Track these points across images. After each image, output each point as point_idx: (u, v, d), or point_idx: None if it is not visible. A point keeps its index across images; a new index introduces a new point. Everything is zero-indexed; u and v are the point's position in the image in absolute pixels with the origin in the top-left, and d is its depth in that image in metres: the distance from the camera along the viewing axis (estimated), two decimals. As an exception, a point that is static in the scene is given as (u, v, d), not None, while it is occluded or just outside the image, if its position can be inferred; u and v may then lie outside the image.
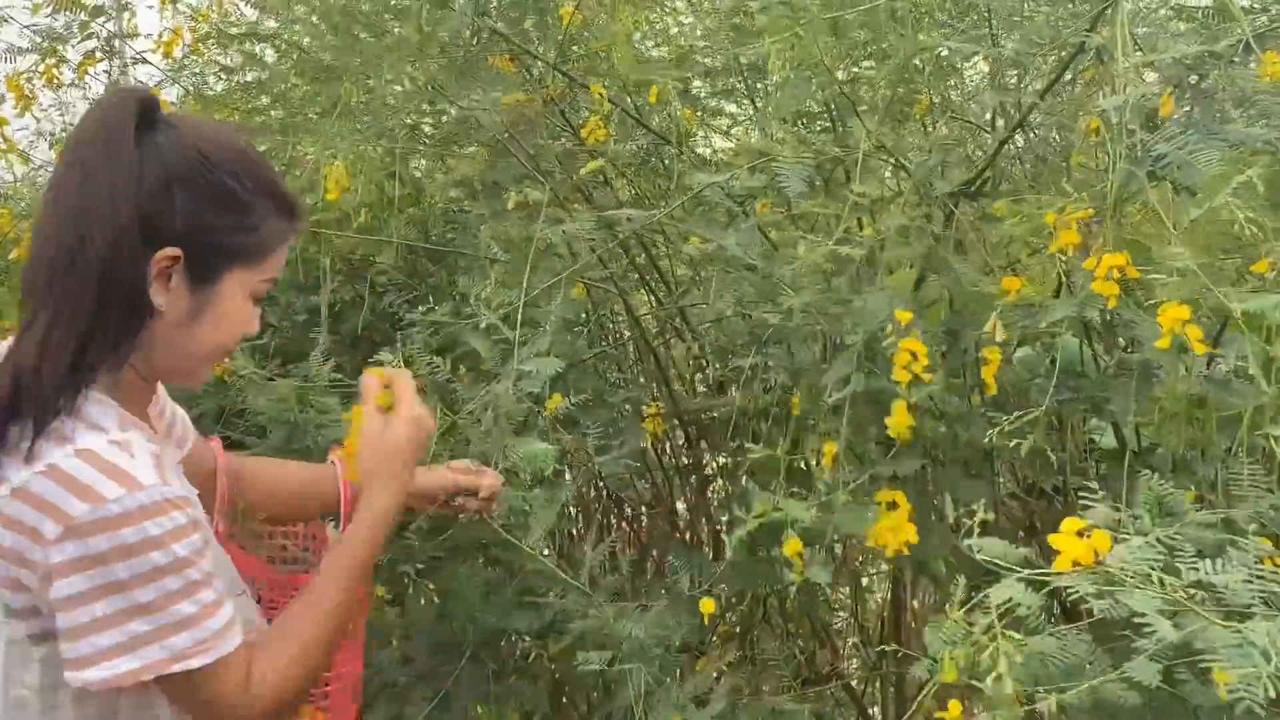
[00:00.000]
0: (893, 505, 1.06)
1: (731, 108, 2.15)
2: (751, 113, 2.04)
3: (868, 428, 1.18)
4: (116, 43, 1.94)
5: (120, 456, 0.88)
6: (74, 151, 0.92)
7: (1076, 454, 1.56)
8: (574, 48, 1.73)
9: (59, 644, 0.88)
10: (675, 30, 1.99)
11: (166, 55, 1.89)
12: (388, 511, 1.08)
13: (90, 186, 0.90)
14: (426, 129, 2.01)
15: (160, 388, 1.10)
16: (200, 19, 1.93)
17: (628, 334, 2.08)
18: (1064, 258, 0.98)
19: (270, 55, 1.95)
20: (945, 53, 1.30)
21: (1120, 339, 1.28)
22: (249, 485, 1.22)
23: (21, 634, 0.92)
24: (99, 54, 1.94)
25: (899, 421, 1.04)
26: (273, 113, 1.87)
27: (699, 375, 2.03)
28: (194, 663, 0.90)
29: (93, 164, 0.90)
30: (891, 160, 1.24)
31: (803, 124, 1.73)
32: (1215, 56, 0.97)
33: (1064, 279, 1.05)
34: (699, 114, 2.02)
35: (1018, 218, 1.03)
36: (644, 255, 1.85)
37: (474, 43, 1.55)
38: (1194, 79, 1.01)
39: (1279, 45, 1.01)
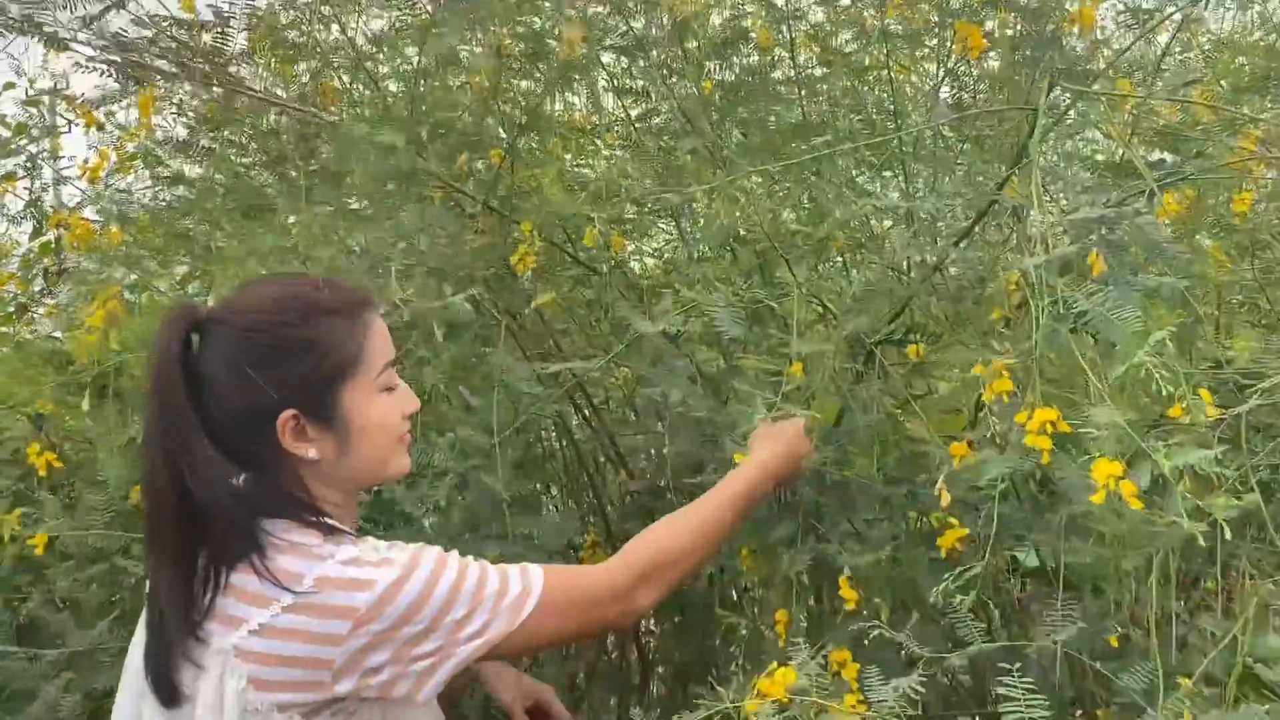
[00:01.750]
0: (843, 664, 1.09)
1: (662, 228, 2.22)
2: (679, 234, 2.11)
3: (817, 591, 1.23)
4: (39, 161, 1.92)
5: (373, 553, 0.99)
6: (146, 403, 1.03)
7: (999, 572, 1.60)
8: (505, 182, 1.76)
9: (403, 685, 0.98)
10: (604, 163, 2.05)
11: (91, 181, 1.87)
12: (765, 464, 1.21)
13: (159, 433, 1.01)
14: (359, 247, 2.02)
15: None
16: (129, 137, 1.92)
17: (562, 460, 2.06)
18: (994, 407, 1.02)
19: (197, 172, 1.95)
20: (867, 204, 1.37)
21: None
22: None
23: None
24: (20, 173, 1.91)
25: (847, 594, 1.09)
26: (198, 233, 1.86)
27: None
28: (534, 597, 1.01)
29: (149, 417, 1.02)
30: (816, 302, 1.29)
31: (731, 252, 1.80)
32: (1122, 210, 1.03)
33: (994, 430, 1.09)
34: (628, 237, 2.08)
35: (948, 380, 1.08)
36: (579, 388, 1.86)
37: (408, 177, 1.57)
38: (1104, 232, 1.07)
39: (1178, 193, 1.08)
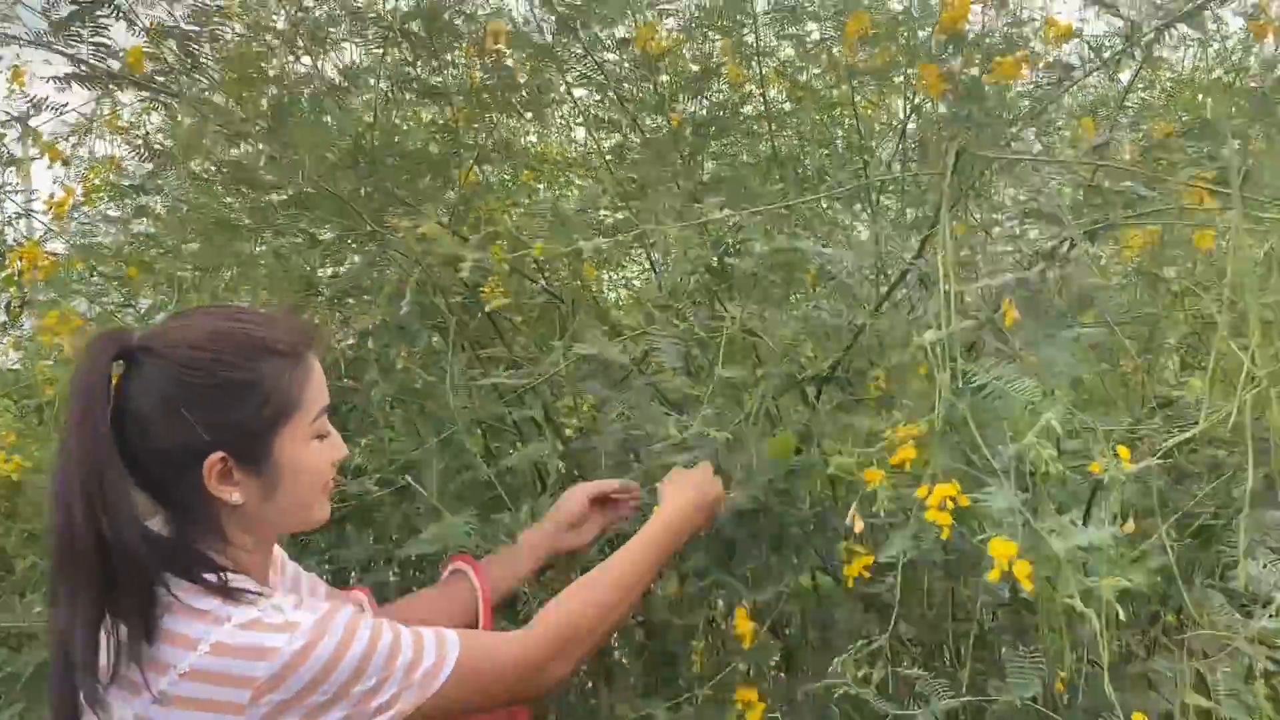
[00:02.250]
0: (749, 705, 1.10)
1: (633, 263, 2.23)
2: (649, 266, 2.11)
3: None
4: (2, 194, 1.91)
5: (275, 615, 0.94)
6: (63, 431, 0.95)
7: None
8: (472, 205, 1.76)
9: None
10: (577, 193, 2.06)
11: (58, 217, 1.86)
12: (673, 516, 1.20)
13: (78, 467, 0.92)
14: (324, 278, 2.01)
15: (279, 557, 1.16)
16: (93, 172, 1.91)
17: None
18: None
19: (161, 208, 1.93)
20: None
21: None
22: None
23: None
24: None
25: (742, 628, 1.14)
26: (160, 266, 1.84)
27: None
28: (446, 669, 0.98)
29: (68, 448, 0.93)
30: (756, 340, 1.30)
31: (694, 287, 1.80)
32: (1048, 258, 1.04)
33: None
34: (599, 268, 2.08)
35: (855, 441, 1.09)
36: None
37: (370, 201, 1.56)
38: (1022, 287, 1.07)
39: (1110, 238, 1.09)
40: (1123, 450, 0.99)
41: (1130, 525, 1.35)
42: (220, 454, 0.96)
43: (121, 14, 1.42)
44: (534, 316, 1.91)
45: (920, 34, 1.53)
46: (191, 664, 0.91)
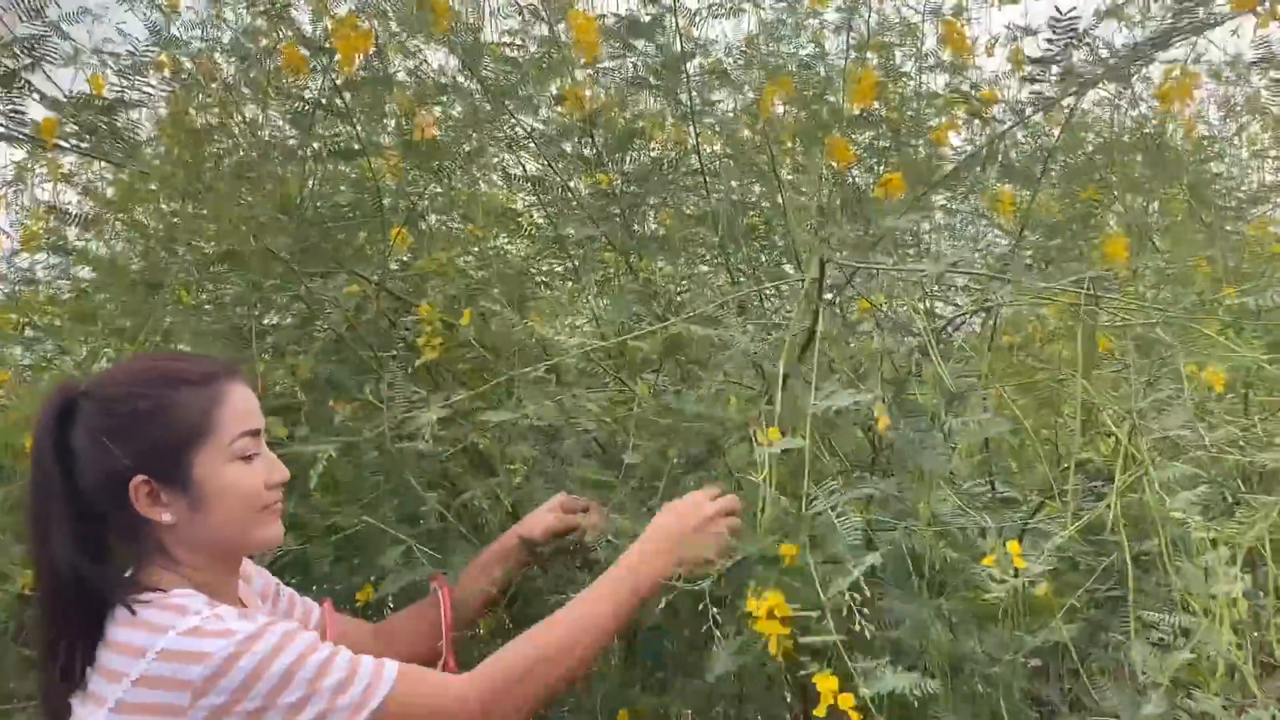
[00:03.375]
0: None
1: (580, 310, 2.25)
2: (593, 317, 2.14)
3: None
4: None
5: (215, 622, 0.99)
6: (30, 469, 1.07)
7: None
8: (404, 260, 1.78)
9: None
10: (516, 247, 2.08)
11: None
12: (638, 558, 1.16)
13: (39, 501, 1.06)
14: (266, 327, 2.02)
15: (253, 572, 1.24)
16: (32, 218, 1.91)
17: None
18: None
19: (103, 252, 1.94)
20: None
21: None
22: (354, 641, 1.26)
23: None
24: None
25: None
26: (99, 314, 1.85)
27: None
28: (374, 701, 1.00)
29: (31, 488, 1.07)
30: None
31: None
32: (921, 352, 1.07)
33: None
34: (542, 318, 2.10)
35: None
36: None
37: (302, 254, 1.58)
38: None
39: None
40: (1013, 546, 1.01)
41: (1043, 588, 1.39)
42: (143, 477, 1.05)
43: (34, 88, 1.43)
44: (472, 368, 1.92)
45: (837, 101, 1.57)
46: (142, 671, 0.97)
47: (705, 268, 2.06)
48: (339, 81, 1.50)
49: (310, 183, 1.57)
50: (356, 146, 1.57)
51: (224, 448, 1.07)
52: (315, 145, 1.58)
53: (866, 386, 1.04)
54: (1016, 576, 1.00)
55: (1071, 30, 1.47)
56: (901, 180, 1.34)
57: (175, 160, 1.58)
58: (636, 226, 1.98)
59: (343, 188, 1.67)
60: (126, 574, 1.07)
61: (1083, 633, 1.24)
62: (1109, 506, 1.03)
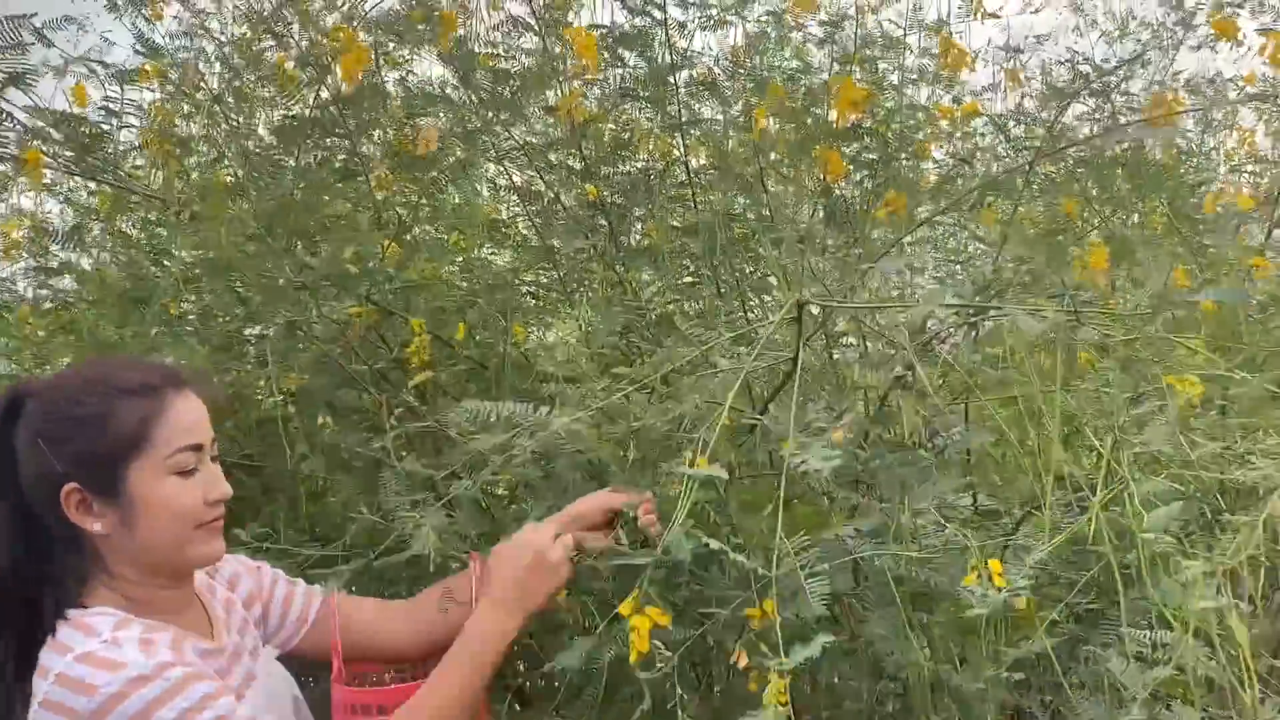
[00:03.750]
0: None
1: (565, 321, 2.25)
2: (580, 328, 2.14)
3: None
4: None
5: (111, 650, 0.98)
6: None
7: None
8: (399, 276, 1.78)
9: None
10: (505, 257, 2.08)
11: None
12: (487, 622, 1.12)
13: None
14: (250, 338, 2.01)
15: (235, 571, 1.22)
16: (10, 227, 1.90)
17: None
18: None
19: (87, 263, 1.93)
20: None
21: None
22: (371, 620, 1.27)
23: None
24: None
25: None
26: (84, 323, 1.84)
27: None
28: None
29: None
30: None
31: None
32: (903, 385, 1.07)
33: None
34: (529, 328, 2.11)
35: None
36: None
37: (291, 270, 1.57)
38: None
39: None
40: (994, 564, 1.02)
41: (1022, 602, 1.40)
42: (74, 484, 1.03)
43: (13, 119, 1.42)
44: (462, 380, 1.93)
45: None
46: (44, 694, 0.97)
47: (692, 279, 2.08)
48: (331, 95, 1.50)
49: (298, 195, 1.57)
50: (345, 160, 1.56)
51: (160, 462, 1.04)
52: (307, 160, 1.57)
53: (847, 414, 1.06)
54: (997, 593, 1.01)
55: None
56: (903, 199, 1.35)
57: (162, 174, 1.57)
58: (624, 237, 1.99)
59: (327, 198, 1.66)
60: (72, 581, 1.05)
61: (1064, 646, 1.26)
62: (1089, 521, 1.04)
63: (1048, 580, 1.38)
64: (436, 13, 1.43)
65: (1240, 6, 1.84)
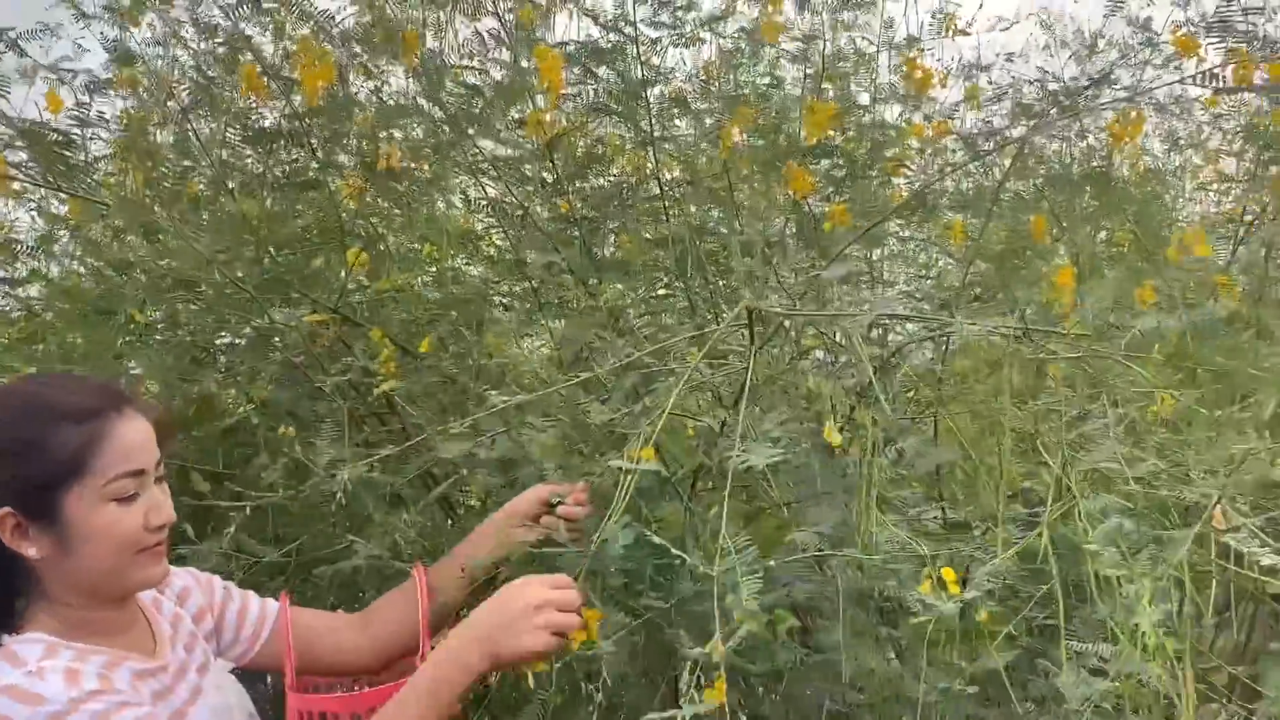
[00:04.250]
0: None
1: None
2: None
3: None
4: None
5: (33, 683, 0.96)
6: None
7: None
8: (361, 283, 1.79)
9: None
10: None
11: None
12: (443, 662, 1.08)
13: None
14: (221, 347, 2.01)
15: (184, 586, 1.21)
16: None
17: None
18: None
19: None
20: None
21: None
22: (321, 633, 1.27)
23: None
24: None
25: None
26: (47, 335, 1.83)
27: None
28: None
29: None
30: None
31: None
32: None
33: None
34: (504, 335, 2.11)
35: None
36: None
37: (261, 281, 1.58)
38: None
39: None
40: (948, 573, 1.03)
41: (983, 614, 1.41)
42: (9, 509, 1.01)
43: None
44: (431, 391, 1.93)
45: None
46: None
47: (664, 291, 2.09)
48: (299, 109, 1.51)
49: (268, 207, 1.57)
50: (314, 173, 1.57)
51: (98, 489, 1.02)
52: (275, 172, 1.58)
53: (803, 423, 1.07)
54: (952, 603, 1.02)
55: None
56: (847, 213, 1.37)
57: (130, 187, 1.57)
58: (596, 250, 2.00)
59: (300, 207, 1.66)
60: (9, 605, 1.04)
61: (1022, 659, 1.27)
62: (1040, 535, 1.06)
63: (1009, 594, 1.39)
64: (400, 33, 1.43)
65: (1207, 29, 1.86)
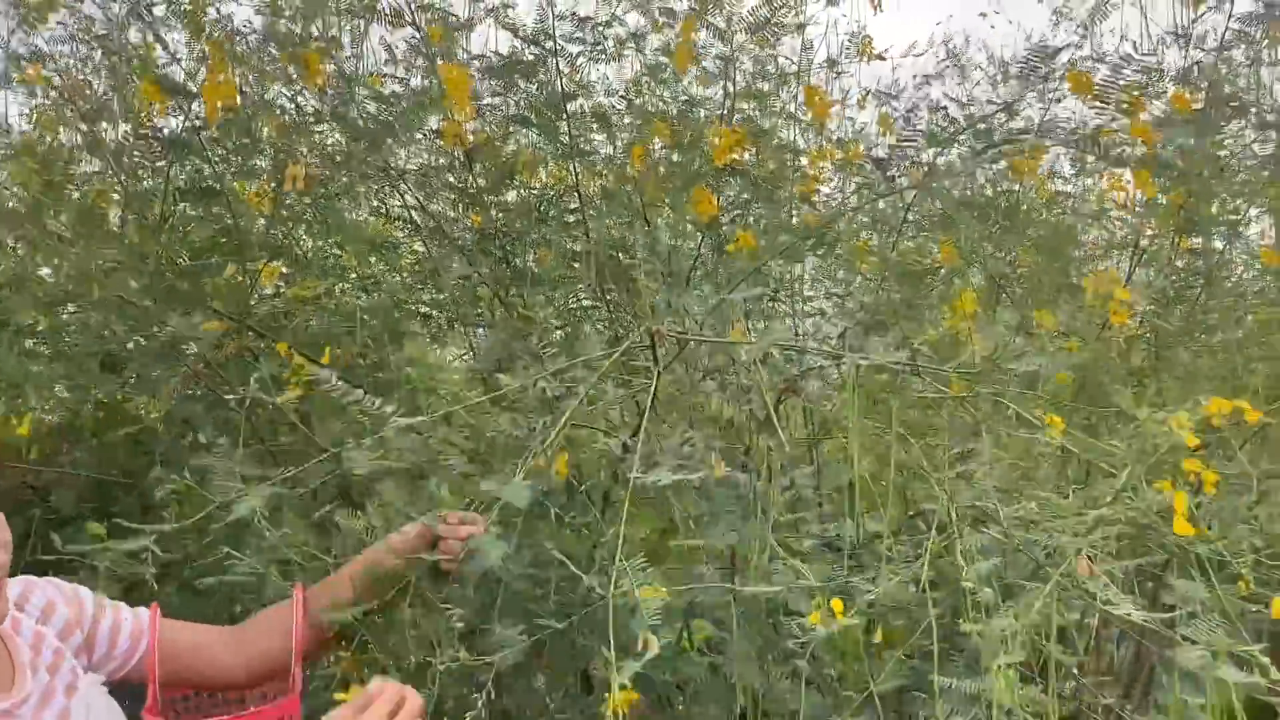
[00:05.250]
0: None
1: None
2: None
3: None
4: None
5: None
6: None
7: None
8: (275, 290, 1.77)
9: None
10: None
11: None
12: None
13: None
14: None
15: (45, 598, 1.16)
16: None
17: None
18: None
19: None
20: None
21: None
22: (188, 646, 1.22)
23: None
24: None
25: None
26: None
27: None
28: None
29: None
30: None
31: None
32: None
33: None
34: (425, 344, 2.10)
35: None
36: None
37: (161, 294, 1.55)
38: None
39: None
40: (836, 604, 1.06)
41: (879, 634, 1.45)
42: None
43: None
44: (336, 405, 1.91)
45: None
46: None
47: (587, 303, 2.10)
48: (199, 121, 1.48)
49: (169, 220, 1.54)
50: (211, 182, 1.54)
51: None
52: (177, 183, 1.55)
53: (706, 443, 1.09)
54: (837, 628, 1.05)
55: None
56: (753, 239, 1.40)
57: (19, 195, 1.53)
58: (516, 262, 2.00)
59: (196, 211, 1.62)
60: None
61: (913, 681, 1.31)
62: (924, 567, 1.09)
63: (902, 618, 1.44)
64: (302, 52, 1.42)
65: (1101, 61, 1.93)
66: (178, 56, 1.81)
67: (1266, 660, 0.93)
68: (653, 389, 1.21)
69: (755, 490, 1.23)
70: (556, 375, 1.27)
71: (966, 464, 1.11)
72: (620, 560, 1.05)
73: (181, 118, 1.53)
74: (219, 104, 1.33)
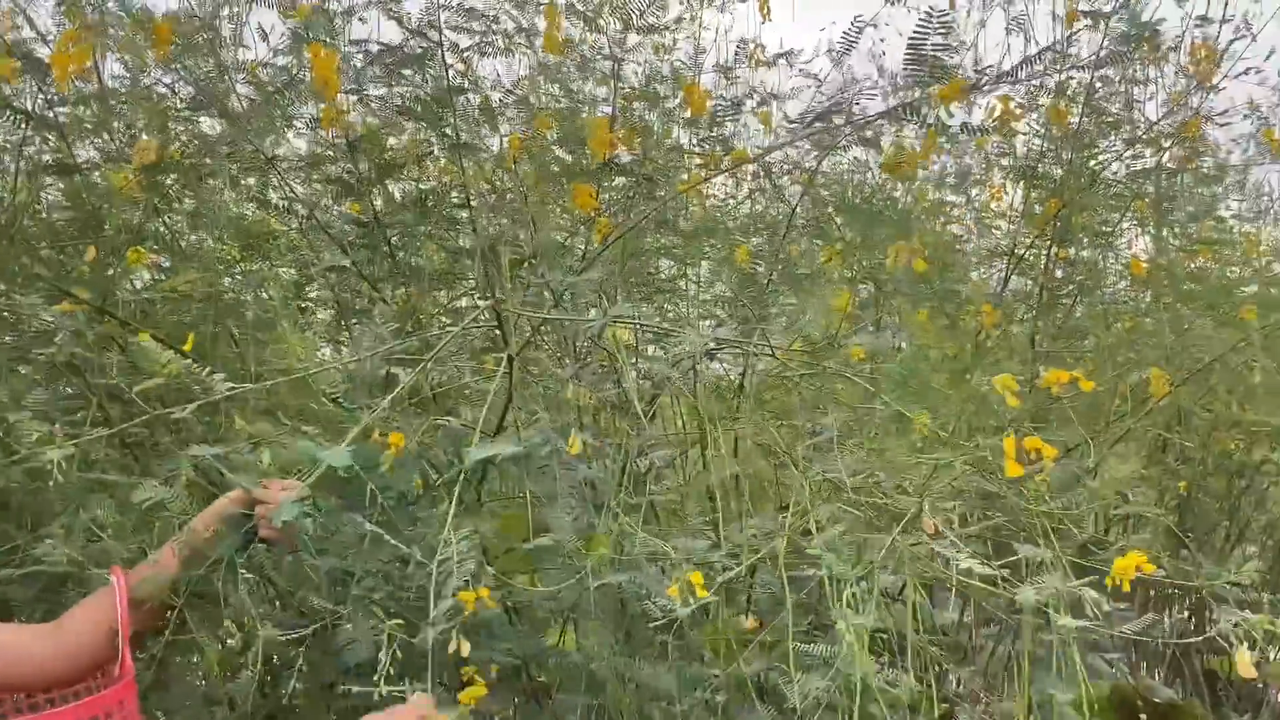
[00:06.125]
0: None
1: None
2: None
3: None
4: None
5: None
6: None
7: None
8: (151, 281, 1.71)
9: None
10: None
11: None
12: None
13: None
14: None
15: None
16: None
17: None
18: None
19: None
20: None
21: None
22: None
23: None
24: None
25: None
26: None
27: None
28: None
29: None
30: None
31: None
32: None
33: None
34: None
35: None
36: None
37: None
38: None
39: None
40: (695, 576, 1.06)
41: (751, 622, 1.45)
42: None
43: None
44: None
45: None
46: None
47: (472, 300, 2.08)
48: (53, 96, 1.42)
49: (22, 197, 1.48)
50: (62, 158, 1.48)
51: None
52: (34, 159, 1.48)
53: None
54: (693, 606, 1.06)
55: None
56: (609, 226, 1.41)
57: None
58: (402, 255, 1.97)
59: (53, 191, 1.56)
60: None
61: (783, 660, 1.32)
62: (782, 542, 1.11)
63: (773, 602, 1.45)
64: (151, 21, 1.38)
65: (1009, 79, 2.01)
66: (48, 38, 1.76)
67: (1102, 598, 0.96)
68: (505, 370, 1.18)
69: (606, 471, 1.23)
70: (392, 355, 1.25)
71: (817, 435, 1.13)
72: (448, 531, 1.03)
73: (39, 94, 1.47)
74: (69, 71, 1.28)
